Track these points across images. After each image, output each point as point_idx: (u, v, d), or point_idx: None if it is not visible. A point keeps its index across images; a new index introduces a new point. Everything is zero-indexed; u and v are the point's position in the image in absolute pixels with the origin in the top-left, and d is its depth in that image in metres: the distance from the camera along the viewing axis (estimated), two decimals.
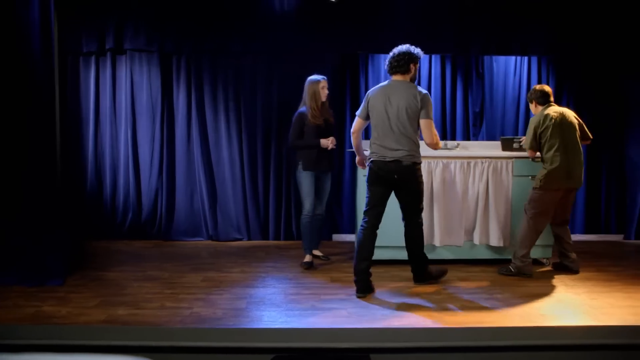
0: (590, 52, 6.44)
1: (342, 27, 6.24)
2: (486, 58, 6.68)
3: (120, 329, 3.71)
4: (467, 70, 6.69)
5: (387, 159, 4.53)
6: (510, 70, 6.75)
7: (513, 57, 6.69)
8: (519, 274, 5.09)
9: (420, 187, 4.63)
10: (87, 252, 5.77)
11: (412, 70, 4.61)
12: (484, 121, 6.72)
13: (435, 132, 4.55)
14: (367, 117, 4.67)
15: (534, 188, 5.08)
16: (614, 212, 6.83)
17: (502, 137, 5.84)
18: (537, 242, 5.42)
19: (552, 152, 4.99)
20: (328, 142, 5.30)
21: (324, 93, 5.30)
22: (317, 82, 5.28)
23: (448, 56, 6.62)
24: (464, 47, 6.35)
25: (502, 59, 6.71)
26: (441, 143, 4.76)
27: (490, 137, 6.66)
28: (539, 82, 6.69)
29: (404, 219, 4.72)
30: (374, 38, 6.29)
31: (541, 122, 5.03)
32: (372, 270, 4.70)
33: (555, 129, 5.00)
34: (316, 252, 5.65)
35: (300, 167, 5.34)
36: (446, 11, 6.27)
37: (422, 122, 4.50)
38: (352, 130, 4.79)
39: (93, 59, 6.39)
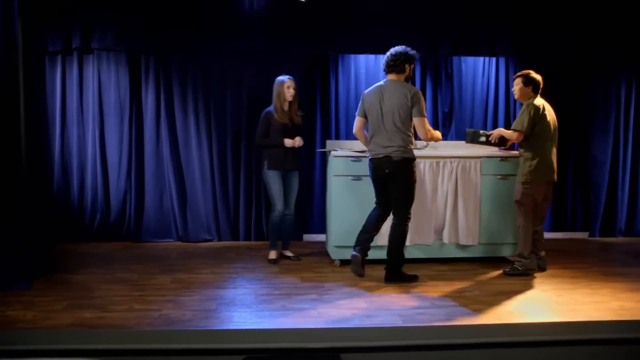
0: (557, 52, 6.54)
1: (312, 28, 6.24)
2: (455, 59, 6.75)
3: (88, 333, 3.65)
4: (436, 70, 6.75)
5: (380, 156, 4.72)
6: (478, 71, 6.83)
7: (481, 58, 6.77)
8: (526, 271, 5.11)
9: (409, 182, 4.79)
10: (54, 255, 5.66)
11: (407, 70, 4.80)
12: (453, 121, 6.80)
13: (430, 127, 4.77)
14: (365, 115, 4.85)
15: (524, 183, 5.05)
16: (579, 210, 6.97)
17: (467, 129, 5.86)
18: (509, 241, 5.51)
19: (542, 143, 5.05)
20: (291, 142, 5.32)
21: (289, 93, 5.34)
22: (282, 83, 5.35)
23: (418, 57, 6.66)
24: (432, 48, 6.40)
25: (470, 59, 6.78)
26: (438, 133, 4.91)
27: (459, 137, 6.73)
28: (507, 83, 6.77)
29: (392, 213, 4.88)
30: (343, 39, 6.30)
31: (540, 110, 5.03)
32: (342, 269, 4.79)
33: (550, 122, 5.08)
34: (287, 253, 5.67)
35: (265, 166, 5.37)
36: (415, 12, 6.31)
37: (415, 120, 4.71)
38: (353, 131, 4.96)
39: (59, 58, 6.28)
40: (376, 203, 4.91)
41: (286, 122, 5.37)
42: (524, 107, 5.08)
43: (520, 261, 5.12)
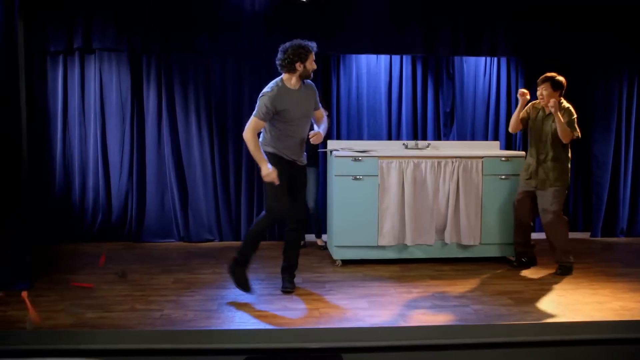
0: (558, 52, 6.53)
1: (313, 28, 6.22)
2: (456, 59, 6.74)
3: (88, 333, 3.65)
4: (437, 70, 6.74)
5: None
6: (480, 71, 6.82)
7: (483, 58, 6.76)
8: (570, 270, 5.19)
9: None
10: (55, 255, 5.67)
11: (299, 69, 4.40)
12: (454, 121, 6.78)
13: (249, 127, 4.35)
14: None
15: (562, 186, 5.06)
16: (581, 210, 6.95)
17: None
18: (511, 241, 5.50)
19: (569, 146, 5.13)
20: None
21: None
22: None
23: (419, 57, 6.66)
24: (433, 47, 6.39)
25: (472, 59, 6.77)
26: (250, 140, 4.35)
27: (461, 137, 6.73)
28: (508, 83, 6.78)
29: None
30: (344, 39, 6.29)
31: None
32: (343, 269, 4.74)
33: None
34: (318, 242, 6.21)
35: None
36: (415, 12, 6.30)
37: None
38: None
39: (61, 58, 6.28)
40: None
41: None
42: (568, 111, 5.01)
43: (569, 261, 5.18)
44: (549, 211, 5.06)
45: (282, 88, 4.41)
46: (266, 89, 4.41)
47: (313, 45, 4.43)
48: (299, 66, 4.38)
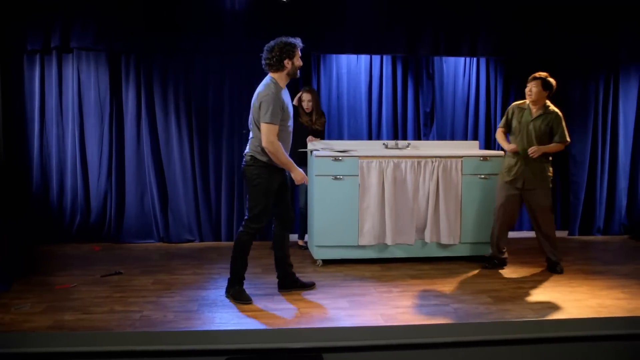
0: (536, 53, 6.60)
1: (294, 27, 6.18)
2: (436, 59, 6.78)
3: (67, 335, 3.61)
4: (417, 71, 6.77)
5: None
6: (459, 71, 6.87)
7: (462, 59, 6.82)
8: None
9: (251, 188, 4.34)
10: (33, 257, 5.60)
11: (288, 66, 4.31)
12: (434, 121, 6.83)
13: (270, 137, 4.16)
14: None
15: (550, 184, 5.20)
16: (559, 209, 7.03)
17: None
18: (486, 240, 5.54)
19: None
20: None
21: (306, 105, 5.97)
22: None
23: (399, 57, 6.69)
24: (413, 48, 6.43)
25: (451, 60, 6.82)
26: (277, 149, 4.19)
27: (441, 137, 6.77)
28: (487, 83, 6.84)
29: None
30: (325, 38, 6.30)
31: None
32: (324, 268, 4.76)
33: None
34: (299, 242, 6.20)
35: None
36: (395, 12, 6.33)
37: (261, 125, 4.22)
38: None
39: (38, 57, 6.19)
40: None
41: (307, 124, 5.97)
42: (559, 117, 5.13)
43: (559, 258, 5.30)
44: (547, 207, 5.18)
45: (277, 86, 4.28)
46: (264, 90, 4.23)
47: (298, 41, 4.36)
48: (287, 63, 4.29)
